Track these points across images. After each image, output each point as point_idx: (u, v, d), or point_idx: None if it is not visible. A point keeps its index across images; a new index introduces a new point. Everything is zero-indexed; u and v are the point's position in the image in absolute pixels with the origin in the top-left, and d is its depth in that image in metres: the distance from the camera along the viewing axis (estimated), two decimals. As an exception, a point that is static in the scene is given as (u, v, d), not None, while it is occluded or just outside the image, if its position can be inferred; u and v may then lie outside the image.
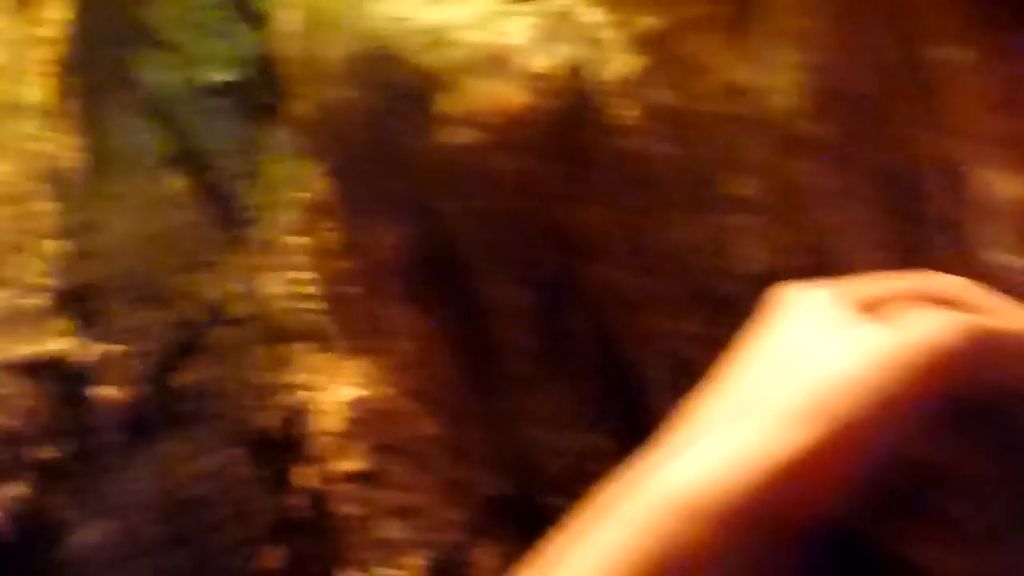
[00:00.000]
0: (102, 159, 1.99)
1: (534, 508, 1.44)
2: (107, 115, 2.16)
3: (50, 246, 1.71)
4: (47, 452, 1.62)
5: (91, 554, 1.83)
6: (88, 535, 1.77)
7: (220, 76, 2.24)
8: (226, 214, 2.33)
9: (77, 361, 1.66)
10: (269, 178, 2.18)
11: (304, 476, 1.66)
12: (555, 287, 1.45)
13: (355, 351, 1.66)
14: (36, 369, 1.61)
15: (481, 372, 1.50)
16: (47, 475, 1.63)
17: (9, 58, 1.64)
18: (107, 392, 1.73)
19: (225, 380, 2.15)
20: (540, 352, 1.45)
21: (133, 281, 2.26)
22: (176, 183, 2.29)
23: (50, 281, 1.67)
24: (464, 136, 1.48)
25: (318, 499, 1.63)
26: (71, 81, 1.83)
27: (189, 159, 2.24)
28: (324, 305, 1.74)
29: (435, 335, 1.52)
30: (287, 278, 1.79)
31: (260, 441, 1.79)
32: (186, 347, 2.27)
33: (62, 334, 1.68)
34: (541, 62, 1.40)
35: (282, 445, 1.73)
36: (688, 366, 1.19)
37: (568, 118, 1.41)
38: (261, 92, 2.25)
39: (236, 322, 2.15)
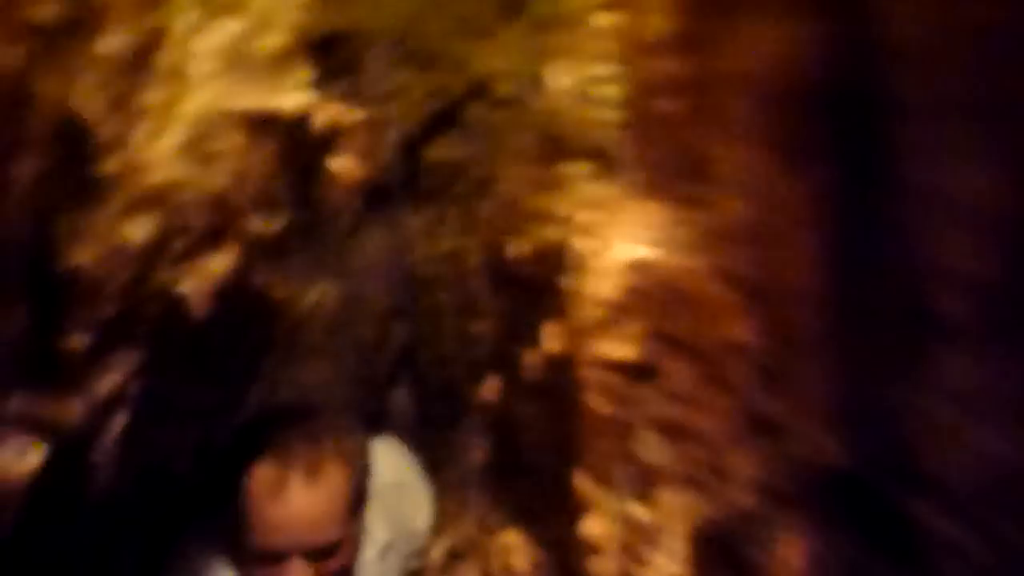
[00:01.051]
0: None
1: (879, 499, 0.98)
2: None
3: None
4: (263, 223, 1.25)
5: (314, 314, 1.52)
6: (312, 296, 1.54)
7: None
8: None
9: (316, 122, 1.26)
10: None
11: (553, 336, 1.24)
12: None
13: (655, 192, 1.18)
14: (265, 125, 1.21)
15: (865, 288, 0.97)
16: (258, 247, 1.26)
17: None
18: (346, 164, 1.32)
19: (478, 164, 1.74)
20: (982, 297, 0.89)
21: (395, 37, 1.80)
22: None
23: (297, 17, 1.27)
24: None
25: (561, 371, 1.22)
26: None
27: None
28: (625, 118, 1.24)
29: (801, 204, 1.01)
30: (579, 68, 1.30)
31: (501, 268, 1.38)
32: (441, 120, 1.85)
33: (302, 87, 1.27)
34: None
35: (530, 284, 1.31)
36: None
37: None
38: None
39: (502, 104, 1.70)
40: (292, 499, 1.23)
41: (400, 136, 1.83)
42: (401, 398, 1.95)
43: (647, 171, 1.16)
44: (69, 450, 1.30)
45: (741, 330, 1.08)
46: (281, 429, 1.41)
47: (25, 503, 1.26)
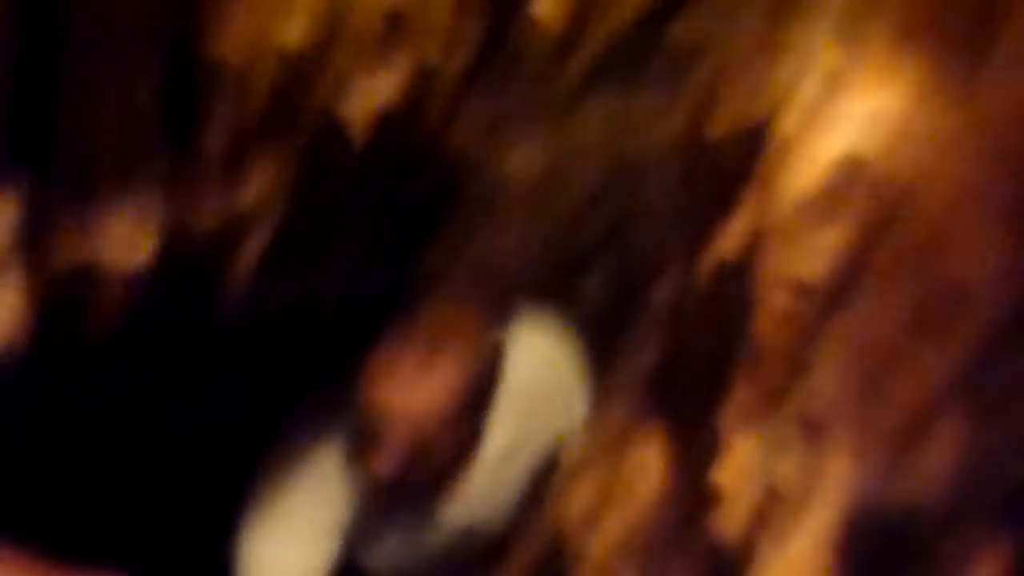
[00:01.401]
0: None
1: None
2: None
3: None
4: (441, 54, 1.10)
5: (512, 182, 1.43)
6: (514, 162, 1.41)
7: None
8: None
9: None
10: None
11: (731, 236, 0.99)
12: None
13: (905, 53, 0.85)
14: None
15: None
16: (433, 80, 1.09)
17: None
18: (551, 11, 1.13)
19: (719, 46, 1.48)
20: None
21: None
22: None
23: None
24: None
25: (732, 280, 0.97)
26: None
27: None
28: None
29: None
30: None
31: (701, 151, 1.15)
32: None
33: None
34: None
35: (723, 173, 1.06)
36: None
37: None
38: None
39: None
40: (392, 387, 1.22)
41: (639, 13, 1.57)
42: (593, 284, 1.77)
43: (902, 17, 0.81)
44: (199, 263, 1.25)
45: (983, 275, 0.77)
46: (417, 309, 1.29)
47: (140, 300, 1.22)
